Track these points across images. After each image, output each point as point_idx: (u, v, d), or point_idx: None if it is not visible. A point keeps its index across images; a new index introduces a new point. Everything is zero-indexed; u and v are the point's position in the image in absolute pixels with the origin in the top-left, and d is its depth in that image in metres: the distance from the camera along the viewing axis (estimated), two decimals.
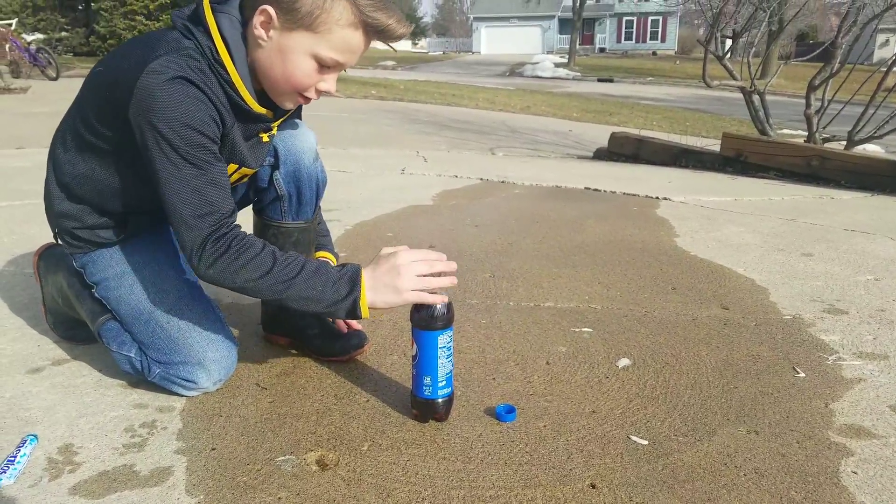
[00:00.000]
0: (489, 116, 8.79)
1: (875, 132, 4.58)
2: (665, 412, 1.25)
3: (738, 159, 4.62)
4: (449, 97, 11.31)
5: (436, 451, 1.11)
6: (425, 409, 1.19)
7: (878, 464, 1.11)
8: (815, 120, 4.96)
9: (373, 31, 1.13)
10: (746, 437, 1.18)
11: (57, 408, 1.22)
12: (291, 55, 1.12)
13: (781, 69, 6.42)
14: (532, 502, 0.99)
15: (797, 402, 1.31)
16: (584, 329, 1.64)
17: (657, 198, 3.31)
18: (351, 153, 4.70)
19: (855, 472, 1.08)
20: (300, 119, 1.44)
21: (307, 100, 1.20)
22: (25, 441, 1.08)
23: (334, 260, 1.54)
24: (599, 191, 3.48)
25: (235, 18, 1.13)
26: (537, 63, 25.70)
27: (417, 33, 67.50)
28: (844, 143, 4.77)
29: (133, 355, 1.26)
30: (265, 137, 1.30)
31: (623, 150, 5.34)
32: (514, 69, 24.89)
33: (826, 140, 5.02)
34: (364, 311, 1.12)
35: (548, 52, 40.97)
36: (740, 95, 5.62)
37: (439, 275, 1.15)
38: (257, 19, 1.10)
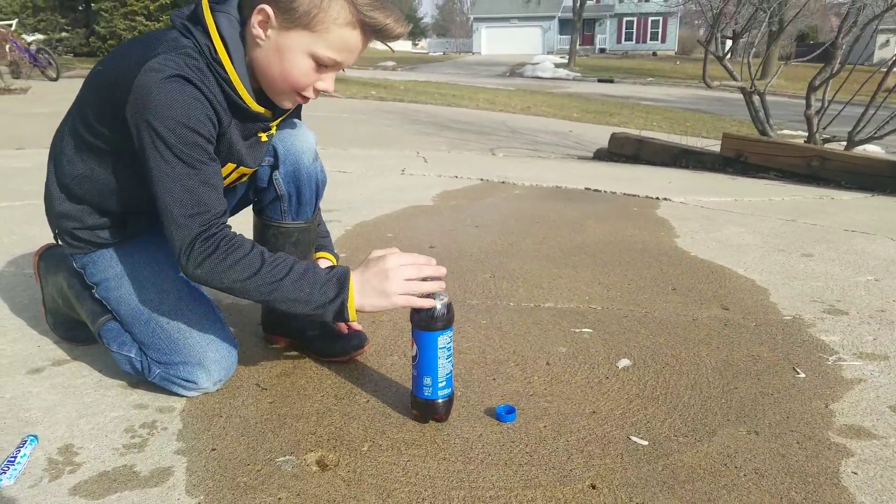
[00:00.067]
0: (489, 117, 8.79)
1: (875, 133, 4.57)
2: (665, 413, 1.25)
3: (738, 160, 4.62)
4: (449, 98, 11.31)
5: (436, 451, 1.11)
6: (425, 410, 1.19)
7: (878, 464, 1.11)
8: (815, 120, 4.96)
9: (370, 30, 1.13)
10: (746, 437, 1.18)
11: (57, 408, 1.22)
12: (289, 54, 1.12)
13: (782, 70, 6.42)
14: (532, 503, 0.99)
15: (797, 402, 1.31)
16: (584, 329, 1.64)
17: (657, 198, 3.31)
18: (351, 153, 4.70)
19: (855, 473, 1.08)
20: (300, 119, 1.44)
21: (305, 99, 1.20)
22: (25, 441, 1.08)
23: (334, 261, 1.54)
24: (600, 191, 3.48)
25: (234, 18, 1.13)
26: (537, 63, 25.70)
27: (417, 34, 67.54)
28: (845, 143, 4.77)
29: (133, 356, 1.26)
30: (264, 137, 1.30)
31: (623, 151, 5.34)
32: (515, 70, 24.90)
33: (826, 140, 5.02)
34: (352, 315, 1.12)
35: (548, 53, 40.98)
36: (740, 96, 5.62)
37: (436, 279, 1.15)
38: (255, 18, 1.11)
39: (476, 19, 50.84)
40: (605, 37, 47.07)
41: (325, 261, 1.51)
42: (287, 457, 1.09)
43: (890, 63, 4.63)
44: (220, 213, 1.13)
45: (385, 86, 12.76)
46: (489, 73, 23.15)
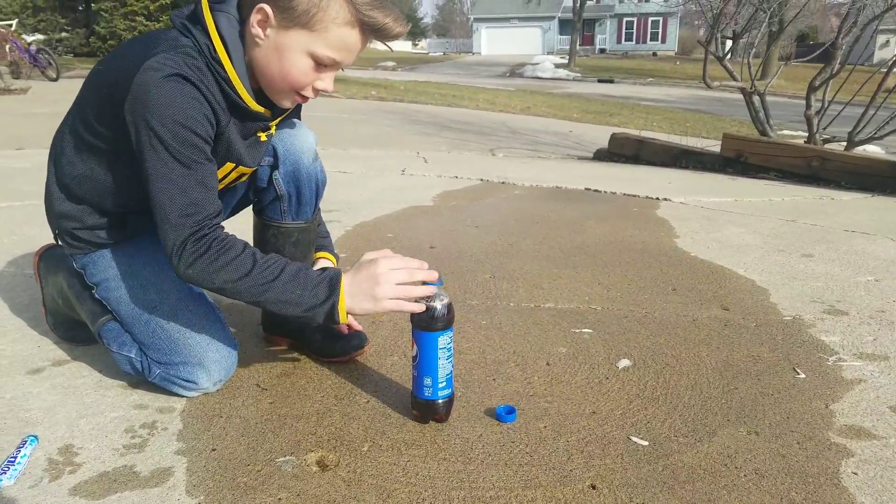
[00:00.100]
0: (489, 117, 8.79)
1: (875, 133, 4.58)
2: (665, 413, 1.25)
3: (738, 160, 4.62)
4: (449, 98, 11.31)
5: (436, 451, 1.11)
6: (426, 410, 1.19)
7: (878, 465, 1.11)
8: (815, 121, 4.96)
9: (369, 29, 1.13)
10: (747, 437, 1.18)
11: (57, 408, 1.22)
12: (288, 53, 1.12)
13: (782, 70, 6.42)
14: (532, 503, 0.99)
15: (797, 402, 1.31)
16: (584, 330, 1.64)
17: (657, 198, 3.31)
18: (351, 154, 4.70)
19: (855, 473, 1.08)
20: (299, 119, 1.44)
21: (304, 98, 1.20)
22: (26, 442, 1.08)
23: (334, 261, 1.54)
24: (600, 192, 3.48)
25: (233, 17, 1.13)
26: (537, 64, 25.71)
27: (417, 34, 67.56)
28: (845, 143, 4.77)
29: (133, 356, 1.26)
30: (263, 136, 1.30)
31: (623, 151, 5.34)
32: (515, 70, 24.90)
33: (826, 141, 5.02)
34: (342, 317, 1.12)
35: (548, 53, 41.00)
36: (740, 96, 5.62)
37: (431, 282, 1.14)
38: (254, 18, 1.11)
39: (476, 19, 50.86)
40: (605, 37, 47.07)
41: (325, 261, 1.51)
42: (287, 457, 1.09)
43: (890, 63, 4.63)
44: (213, 213, 1.13)
45: (385, 86, 12.76)
46: (489, 74, 23.16)
